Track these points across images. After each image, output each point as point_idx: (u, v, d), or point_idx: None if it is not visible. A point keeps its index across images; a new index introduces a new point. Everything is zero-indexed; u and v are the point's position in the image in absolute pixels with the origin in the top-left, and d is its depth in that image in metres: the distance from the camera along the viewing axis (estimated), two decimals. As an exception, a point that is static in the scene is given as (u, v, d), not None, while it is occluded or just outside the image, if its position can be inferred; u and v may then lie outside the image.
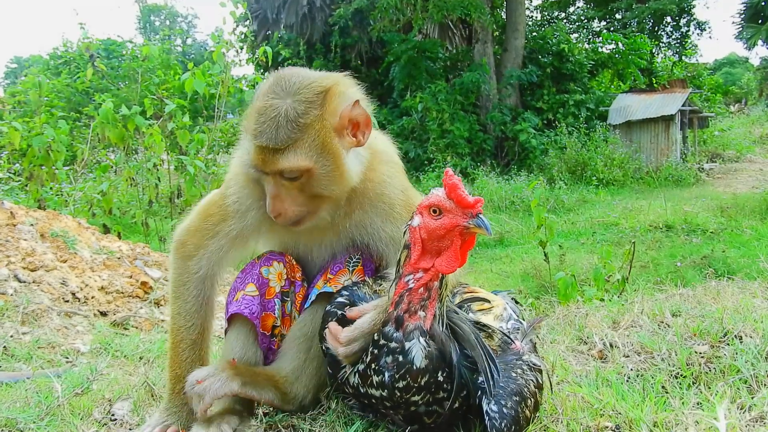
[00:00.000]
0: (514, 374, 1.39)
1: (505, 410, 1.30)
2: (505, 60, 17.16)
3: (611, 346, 2.07)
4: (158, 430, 1.61)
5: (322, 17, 18.46)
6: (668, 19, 23.27)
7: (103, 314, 3.64)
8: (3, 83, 36.24)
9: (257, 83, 7.43)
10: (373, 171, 1.61)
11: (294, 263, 1.74)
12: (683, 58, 24.40)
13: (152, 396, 1.95)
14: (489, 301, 1.61)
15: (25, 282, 3.51)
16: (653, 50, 21.72)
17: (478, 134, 15.94)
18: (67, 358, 2.82)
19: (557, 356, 2.00)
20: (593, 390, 1.66)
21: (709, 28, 26.72)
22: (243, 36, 15.94)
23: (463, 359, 1.34)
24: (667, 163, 14.73)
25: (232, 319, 1.65)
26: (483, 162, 15.37)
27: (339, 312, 1.48)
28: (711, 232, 8.99)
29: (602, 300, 3.26)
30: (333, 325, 1.43)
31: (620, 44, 19.11)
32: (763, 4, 24.19)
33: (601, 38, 20.54)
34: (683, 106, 15.46)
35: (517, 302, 1.85)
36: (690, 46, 24.40)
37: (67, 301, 3.55)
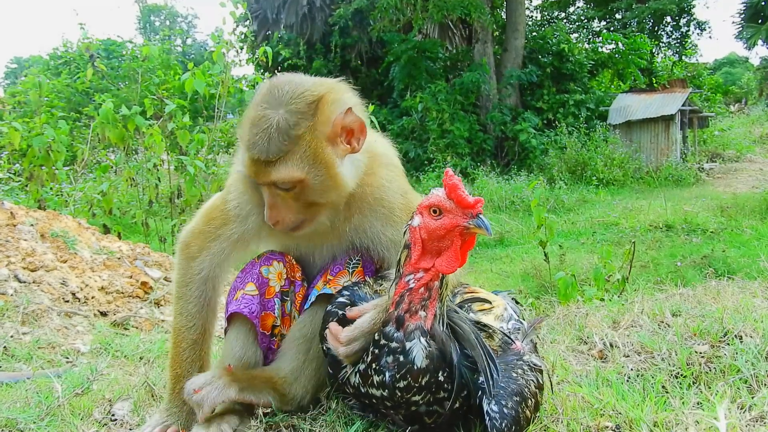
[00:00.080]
0: (514, 374, 1.39)
1: (505, 410, 1.30)
2: (505, 60, 17.16)
3: (611, 345, 2.07)
4: (158, 430, 1.61)
5: (322, 17, 18.46)
6: (668, 18, 23.26)
7: (104, 314, 3.64)
8: (3, 83, 36.26)
9: (257, 83, 7.43)
10: (372, 175, 1.60)
11: (294, 263, 1.74)
12: (683, 57, 24.40)
13: (152, 396, 1.95)
14: (489, 302, 1.61)
15: (25, 282, 3.51)
16: (653, 50, 21.72)
17: (478, 134, 15.94)
18: (68, 358, 2.82)
19: (557, 356, 2.00)
20: (593, 390, 1.66)
21: (709, 27, 26.72)
22: (243, 36, 15.95)
23: (464, 359, 1.34)
24: (667, 163, 14.73)
25: (231, 318, 1.65)
26: (483, 162, 15.37)
27: (340, 312, 1.48)
28: (711, 232, 8.99)
29: (602, 300, 3.26)
30: (333, 325, 1.43)
31: (620, 44, 19.11)
32: (762, 3, 24.18)
33: (601, 38, 20.55)
34: (683, 105, 15.46)
35: (517, 302, 1.85)
36: (690, 45, 24.41)
37: (68, 302, 3.55)
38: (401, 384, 1.31)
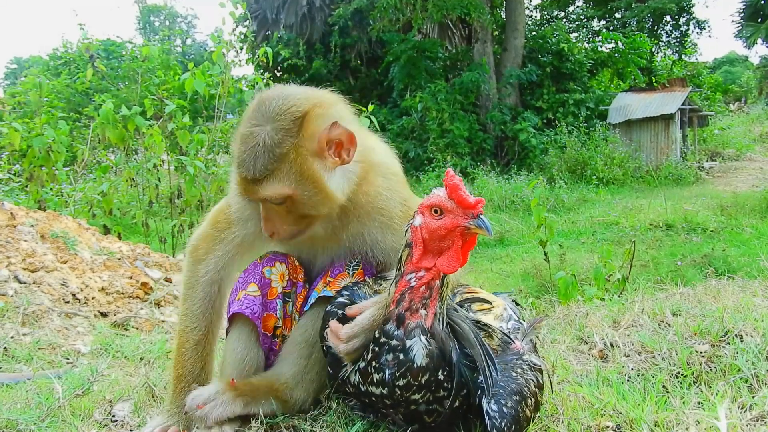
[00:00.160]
0: (514, 374, 1.39)
1: (505, 410, 1.30)
2: (505, 59, 17.16)
3: (612, 345, 2.07)
4: (158, 430, 1.61)
5: (321, 17, 18.46)
6: (668, 17, 23.26)
7: (104, 315, 3.64)
8: (3, 84, 36.26)
9: (257, 83, 7.42)
10: (369, 184, 1.61)
11: (297, 264, 1.75)
12: (683, 56, 24.40)
13: (153, 397, 1.95)
14: (489, 302, 1.61)
15: (25, 283, 3.51)
16: (653, 49, 21.73)
17: (478, 134, 15.94)
18: (68, 359, 2.82)
19: (558, 356, 2.00)
20: (594, 390, 1.66)
21: (709, 26, 26.70)
22: (243, 36, 15.95)
23: (463, 358, 1.34)
24: (667, 162, 14.73)
25: (233, 318, 1.65)
26: (483, 161, 15.38)
27: (339, 312, 1.48)
28: (711, 231, 8.99)
29: (602, 299, 3.26)
30: (333, 324, 1.44)
31: (620, 43, 19.11)
32: (762, 2, 24.17)
33: (600, 37, 20.55)
34: (683, 104, 15.46)
35: (517, 304, 1.85)
36: (689, 44, 24.40)
37: (68, 302, 3.55)
38: (401, 382, 1.31)
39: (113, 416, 1.82)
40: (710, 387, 1.65)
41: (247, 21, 15.66)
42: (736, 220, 9.47)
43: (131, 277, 4.18)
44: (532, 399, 1.38)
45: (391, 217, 1.63)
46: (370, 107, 5.60)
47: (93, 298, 3.70)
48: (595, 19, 24.49)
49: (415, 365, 1.30)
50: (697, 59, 26.35)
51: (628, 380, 1.77)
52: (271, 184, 1.44)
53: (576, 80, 17.31)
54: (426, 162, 15.04)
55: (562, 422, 1.50)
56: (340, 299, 1.51)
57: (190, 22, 43.72)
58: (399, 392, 1.32)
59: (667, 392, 1.65)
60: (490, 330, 1.49)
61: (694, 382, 1.72)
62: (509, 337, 1.51)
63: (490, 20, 16.58)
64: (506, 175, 14.14)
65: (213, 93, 6.66)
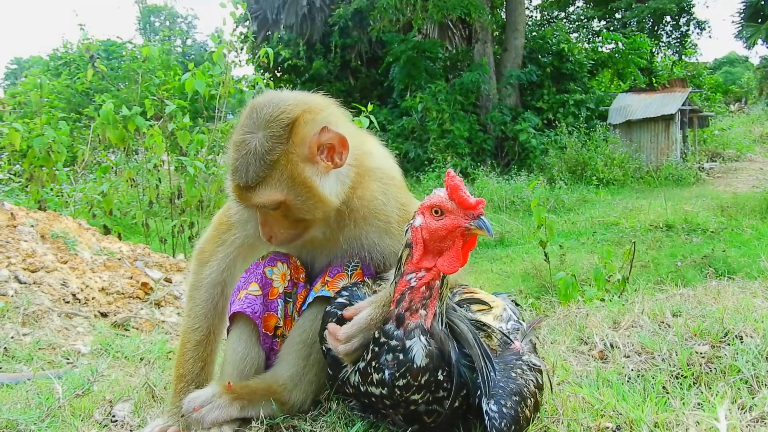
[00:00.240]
0: (513, 374, 1.39)
1: (504, 410, 1.30)
2: (505, 60, 17.17)
3: (612, 346, 2.07)
4: (158, 431, 1.62)
5: (321, 17, 18.46)
6: (668, 18, 23.26)
7: (104, 315, 3.64)
8: (3, 84, 36.27)
9: (257, 83, 7.42)
10: (364, 189, 1.62)
11: (298, 264, 1.75)
12: (683, 57, 24.40)
13: (153, 397, 1.95)
14: (488, 304, 1.61)
15: (25, 283, 3.51)
16: (653, 50, 21.72)
17: (478, 134, 15.94)
18: (68, 359, 2.82)
19: (558, 356, 2.00)
20: (594, 390, 1.66)
21: (709, 27, 26.66)
22: (243, 37, 15.96)
23: (462, 358, 1.35)
24: (667, 163, 14.73)
25: (234, 317, 1.66)
26: (483, 162, 15.38)
27: (339, 312, 1.48)
28: (711, 232, 8.99)
29: (603, 300, 3.26)
30: (332, 326, 1.44)
31: (620, 44, 19.12)
32: (762, 3, 24.17)
33: (600, 38, 20.56)
34: (683, 105, 15.46)
35: (517, 304, 1.85)
36: (690, 45, 24.40)
37: (68, 302, 3.55)
38: (401, 382, 1.31)
39: (113, 416, 1.82)
40: (710, 388, 1.65)
41: (248, 21, 15.65)
42: (737, 221, 9.47)
43: (131, 278, 4.18)
44: (532, 399, 1.38)
45: (389, 222, 1.64)
46: (370, 107, 5.59)
47: (93, 299, 3.70)
48: (596, 20, 24.50)
49: (415, 365, 1.30)
50: (697, 60, 26.40)
51: (628, 381, 1.77)
52: (263, 191, 1.47)
53: (576, 81, 17.32)
54: (426, 162, 15.04)
55: (562, 423, 1.50)
56: (340, 300, 1.51)
57: (190, 23, 43.76)
58: (399, 392, 1.32)
59: (667, 393, 1.65)
60: (489, 330, 1.49)
61: (694, 383, 1.72)
62: (508, 338, 1.51)
63: (491, 20, 16.59)
64: (506, 175, 14.14)
65: (213, 93, 6.65)
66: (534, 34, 18.55)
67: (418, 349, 1.30)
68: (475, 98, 16.41)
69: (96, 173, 7.44)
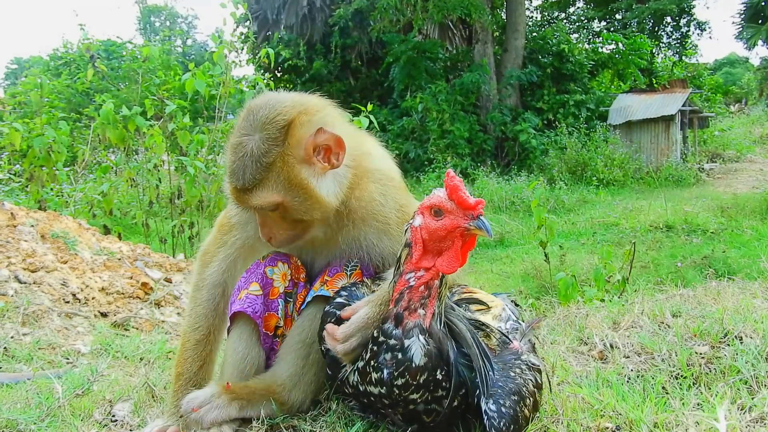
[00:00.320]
0: (512, 374, 1.39)
1: (503, 409, 1.30)
2: (505, 60, 17.17)
3: (611, 346, 2.07)
4: (156, 431, 1.62)
5: (322, 18, 18.47)
6: (668, 19, 23.27)
7: (104, 315, 3.64)
8: (3, 84, 36.28)
9: (257, 84, 7.42)
10: (362, 190, 1.62)
11: (299, 264, 1.76)
12: (683, 58, 24.41)
13: (153, 397, 1.95)
14: (486, 304, 1.61)
15: (25, 283, 3.51)
16: (653, 50, 21.73)
17: (479, 134, 15.94)
18: (68, 359, 2.82)
19: (558, 357, 2.00)
20: (593, 391, 1.66)
21: (709, 28, 26.76)
22: (244, 37, 15.97)
23: (461, 357, 1.35)
24: (667, 163, 14.74)
25: (235, 317, 1.66)
26: (483, 162, 15.38)
27: (337, 312, 1.48)
28: (711, 233, 8.99)
29: (602, 300, 3.26)
30: (330, 326, 1.44)
31: (620, 44, 19.12)
32: (763, 4, 24.18)
33: (601, 38, 20.56)
34: (683, 106, 15.46)
35: (516, 304, 1.85)
36: (690, 46, 24.42)
37: (68, 302, 3.55)
38: (399, 381, 1.31)
39: (113, 416, 1.82)
40: (710, 388, 1.65)
41: (248, 21, 15.66)
42: (737, 222, 9.47)
43: (131, 278, 4.18)
44: (531, 399, 1.38)
45: (387, 223, 1.64)
46: (370, 107, 5.59)
47: (93, 298, 3.70)
48: (596, 20, 24.51)
49: (414, 365, 1.30)
50: (697, 60, 26.41)
51: (627, 381, 1.77)
52: (260, 193, 1.48)
53: (576, 81, 17.32)
54: (426, 163, 15.04)
55: (562, 423, 1.50)
56: (338, 300, 1.52)
57: (190, 23, 43.78)
58: (397, 392, 1.32)
59: (667, 393, 1.66)
60: (488, 330, 1.49)
61: (693, 384, 1.72)
62: (507, 337, 1.51)
63: (491, 21, 16.59)
64: (506, 176, 14.14)
65: (214, 93, 6.66)
66: (534, 34, 18.56)
67: (417, 349, 1.31)
68: (475, 99, 16.41)
69: (96, 173, 7.44)
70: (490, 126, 16.24)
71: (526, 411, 1.35)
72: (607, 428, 1.46)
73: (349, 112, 1.76)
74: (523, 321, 1.69)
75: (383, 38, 17.17)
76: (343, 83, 18.97)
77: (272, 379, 1.63)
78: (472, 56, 17.36)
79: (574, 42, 18.81)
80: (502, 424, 1.28)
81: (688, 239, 8.77)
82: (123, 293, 3.93)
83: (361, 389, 1.38)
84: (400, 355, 1.31)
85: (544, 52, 17.38)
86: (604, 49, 19.49)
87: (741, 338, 1.92)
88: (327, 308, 1.52)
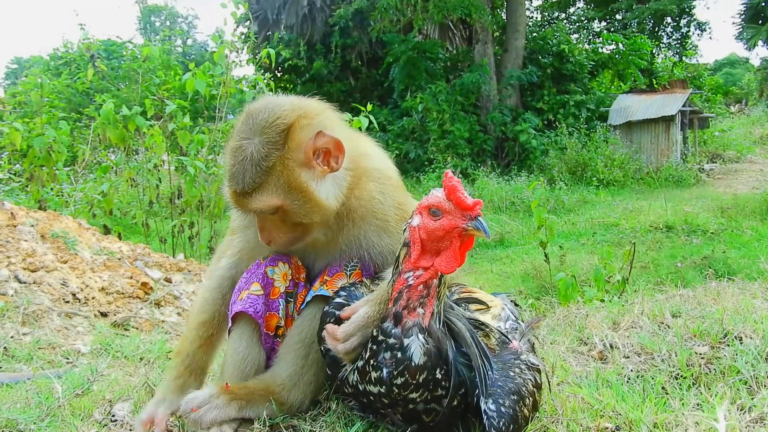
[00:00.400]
0: (512, 373, 1.39)
1: (503, 409, 1.30)
2: (506, 60, 17.18)
3: (611, 346, 2.07)
4: (146, 416, 1.64)
5: (322, 18, 18.47)
6: (668, 19, 23.28)
7: (104, 315, 3.64)
8: (3, 84, 36.29)
9: (258, 83, 7.42)
10: (361, 189, 1.63)
11: (300, 264, 1.76)
12: (683, 58, 24.41)
13: (153, 397, 1.95)
14: (486, 304, 1.61)
15: (25, 283, 3.51)
16: (653, 51, 21.73)
17: (479, 135, 15.94)
18: (68, 358, 2.82)
19: (557, 357, 2.00)
20: (593, 391, 1.66)
21: (710, 28, 26.78)
22: (244, 37, 15.97)
23: (460, 356, 1.35)
24: (667, 164, 14.74)
25: (236, 318, 1.66)
26: (483, 162, 15.39)
27: (336, 312, 1.48)
28: (711, 233, 9.00)
29: (602, 301, 3.26)
30: (330, 326, 1.44)
31: (620, 45, 19.13)
32: (763, 4, 24.19)
33: (601, 39, 20.56)
34: (684, 106, 15.47)
35: (516, 304, 1.85)
36: (690, 46, 24.42)
37: (68, 302, 3.55)
38: (399, 381, 1.31)
39: (113, 416, 1.82)
40: (709, 389, 1.65)
41: (248, 21, 15.66)
42: (737, 222, 9.47)
43: (131, 277, 4.18)
44: (530, 399, 1.38)
45: (386, 221, 1.65)
46: (370, 107, 5.59)
47: (93, 298, 3.70)
48: (596, 21, 24.52)
49: (413, 363, 1.30)
50: (697, 61, 26.41)
51: (627, 381, 1.77)
52: (260, 197, 1.48)
53: (576, 81, 17.33)
54: (426, 163, 15.05)
55: (562, 423, 1.50)
56: (338, 300, 1.52)
57: (190, 23, 43.81)
58: (397, 391, 1.32)
59: (667, 394, 1.66)
60: (487, 329, 1.49)
61: (693, 384, 1.72)
62: (506, 337, 1.51)
63: (491, 21, 16.59)
64: (506, 176, 14.15)
65: (214, 93, 6.66)
66: (534, 34, 18.56)
67: (416, 347, 1.31)
68: (475, 99, 16.42)
69: (96, 173, 7.43)
70: (491, 126, 16.24)
71: (525, 411, 1.35)
72: (607, 428, 1.46)
73: (349, 113, 1.77)
74: (523, 321, 1.69)
75: (383, 38, 17.17)
76: (344, 83, 18.98)
77: (271, 379, 1.63)
78: (472, 56, 17.36)
79: (575, 42, 18.83)
80: (501, 423, 1.28)
81: (688, 240, 8.78)
82: (123, 293, 3.93)
83: (361, 389, 1.38)
84: (399, 354, 1.31)
85: (544, 52, 17.39)
86: (605, 50, 19.50)
87: (741, 339, 1.92)
88: (326, 308, 1.52)
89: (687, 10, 22.92)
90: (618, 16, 24.30)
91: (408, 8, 15.71)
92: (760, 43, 24.42)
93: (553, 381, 1.74)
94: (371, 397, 1.38)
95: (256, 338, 1.66)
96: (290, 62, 18.19)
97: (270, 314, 1.66)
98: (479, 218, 1.28)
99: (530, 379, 1.40)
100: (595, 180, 13.80)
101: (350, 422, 1.55)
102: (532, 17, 23.33)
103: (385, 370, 1.32)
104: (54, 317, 3.29)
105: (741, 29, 25.25)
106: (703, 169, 15.13)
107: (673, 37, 23.90)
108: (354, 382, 1.40)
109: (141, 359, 2.72)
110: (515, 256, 8.64)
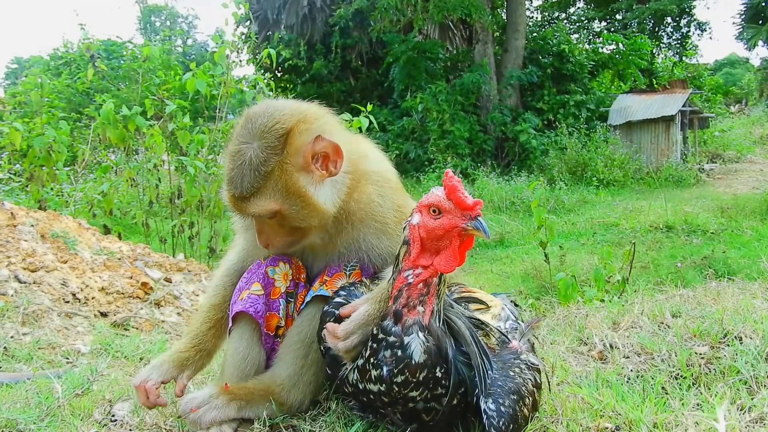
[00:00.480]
0: (511, 373, 1.39)
1: (503, 409, 1.30)
2: (506, 60, 17.18)
3: (611, 347, 2.07)
4: (140, 378, 1.68)
5: (322, 18, 18.48)
6: (669, 19, 23.28)
7: (104, 315, 3.64)
8: (3, 84, 36.29)
9: (258, 83, 7.42)
10: (360, 192, 1.64)
11: (300, 264, 1.77)
12: (684, 58, 24.41)
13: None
14: (486, 303, 1.61)
15: (25, 283, 3.51)
16: (654, 51, 21.73)
17: (479, 135, 15.94)
18: (68, 358, 2.82)
19: (557, 357, 2.00)
20: (593, 391, 1.66)
21: (710, 28, 26.79)
22: (245, 37, 15.97)
23: (460, 355, 1.35)
24: (667, 164, 14.74)
25: (236, 317, 1.66)
26: (483, 162, 15.39)
27: (336, 312, 1.48)
28: (711, 233, 8.99)
29: (602, 301, 3.26)
30: (330, 325, 1.44)
31: (621, 45, 19.13)
32: (763, 4, 24.19)
33: (601, 39, 20.56)
34: (684, 106, 15.47)
35: (516, 304, 1.85)
36: (690, 46, 24.42)
37: (68, 302, 3.55)
38: (399, 379, 1.31)
39: (113, 416, 1.82)
40: (709, 389, 1.65)
41: (249, 21, 15.65)
42: (737, 222, 9.47)
43: (131, 277, 4.18)
44: (530, 398, 1.38)
45: (386, 223, 1.65)
46: (370, 107, 5.58)
47: (93, 298, 3.70)
48: (596, 21, 24.52)
49: (413, 362, 1.30)
50: (697, 61, 26.41)
51: (627, 381, 1.77)
52: (258, 201, 1.49)
53: (577, 81, 17.32)
54: (426, 163, 15.05)
55: (561, 423, 1.50)
56: (337, 299, 1.52)
57: (190, 23, 43.77)
58: (397, 389, 1.32)
59: (667, 394, 1.66)
60: (487, 329, 1.49)
61: (693, 384, 1.72)
62: (506, 336, 1.51)
63: (491, 21, 16.59)
64: (507, 176, 14.15)
65: (214, 93, 6.66)
66: (534, 34, 18.57)
67: (416, 346, 1.31)
68: (475, 99, 16.42)
69: (96, 173, 7.43)
70: (491, 126, 16.24)
71: (525, 410, 1.35)
72: (607, 428, 1.46)
73: (349, 113, 1.78)
74: (523, 321, 1.69)
75: (383, 38, 17.17)
76: (344, 83, 18.98)
77: (271, 379, 1.63)
78: (472, 56, 17.36)
79: (575, 42, 18.82)
80: (501, 423, 1.28)
81: (688, 240, 8.78)
82: (123, 293, 3.93)
83: (361, 387, 1.38)
84: (399, 352, 1.31)
85: (544, 52, 17.39)
86: (605, 50, 19.50)
87: (741, 339, 1.92)
88: (326, 308, 1.52)
89: (687, 10, 22.92)
90: (618, 16, 24.30)
91: (408, 8, 15.71)
92: (760, 43, 24.43)
93: (553, 381, 1.74)
94: (371, 396, 1.37)
95: (256, 338, 1.66)
96: (290, 62, 18.20)
97: (270, 314, 1.66)
98: (479, 218, 1.28)
99: (530, 379, 1.40)
100: (595, 180, 13.80)
101: (350, 422, 1.55)
102: (532, 17, 23.35)
103: (385, 368, 1.32)
104: (54, 317, 3.29)
105: (741, 29, 25.26)
106: (703, 169, 15.13)
107: (673, 37, 23.90)
108: (354, 381, 1.40)
109: (141, 359, 2.72)
110: (515, 256, 8.64)
